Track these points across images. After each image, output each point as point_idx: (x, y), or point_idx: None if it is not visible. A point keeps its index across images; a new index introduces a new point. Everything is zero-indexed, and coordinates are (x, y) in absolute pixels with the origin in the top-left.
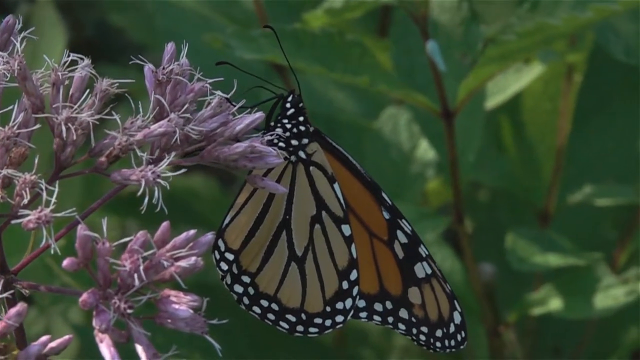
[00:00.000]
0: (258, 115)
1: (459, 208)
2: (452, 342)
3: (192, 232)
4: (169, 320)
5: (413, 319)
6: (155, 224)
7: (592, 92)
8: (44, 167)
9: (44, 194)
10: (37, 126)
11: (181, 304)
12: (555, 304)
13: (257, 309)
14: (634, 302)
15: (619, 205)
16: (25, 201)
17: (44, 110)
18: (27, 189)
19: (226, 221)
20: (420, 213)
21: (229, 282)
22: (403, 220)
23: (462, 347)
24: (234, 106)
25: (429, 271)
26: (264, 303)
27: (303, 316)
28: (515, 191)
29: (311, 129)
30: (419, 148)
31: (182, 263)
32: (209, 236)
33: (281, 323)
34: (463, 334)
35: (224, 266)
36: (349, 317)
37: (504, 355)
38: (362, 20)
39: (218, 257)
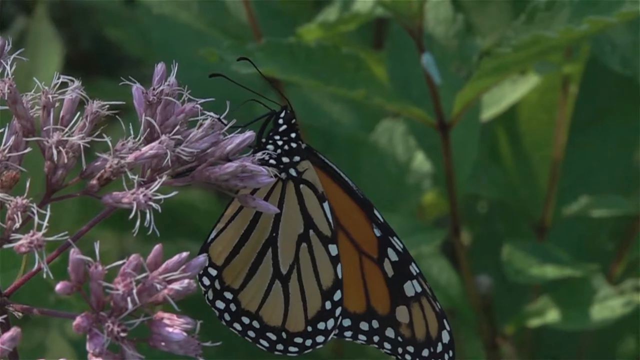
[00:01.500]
0: (248, 135)
1: (456, 220)
2: None
3: (184, 254)
4: (163, 343)
5: (399, 338)
6: (153, 239)
7: (588, 103)
8: (38, 190)
9: (36, 218)
10: (28, 149)
11: (174, 326)
12: (552, 315)
13: (237, 326)
14: (630, 313)
15: (616, 216)
16: (17, 225)
17: (35, 133)
18: (19, 213)
19: (211, 236)
20: (415, 226)
21: (210, 297)
22: (394, 238)
23: None
24: (226, 125)
25: (419, 290)
26: (245, 320)
27: (284, 335)
28: (512, 203)
29: (303, 146)
30: (415, 160)
31: (175, 286)
32: (201, 258)
33: (261, 341)
34: (451, 354)
35: (206, 281)
36: (330, 338)
37: None
38: (357, 33)
39: (201, 272)
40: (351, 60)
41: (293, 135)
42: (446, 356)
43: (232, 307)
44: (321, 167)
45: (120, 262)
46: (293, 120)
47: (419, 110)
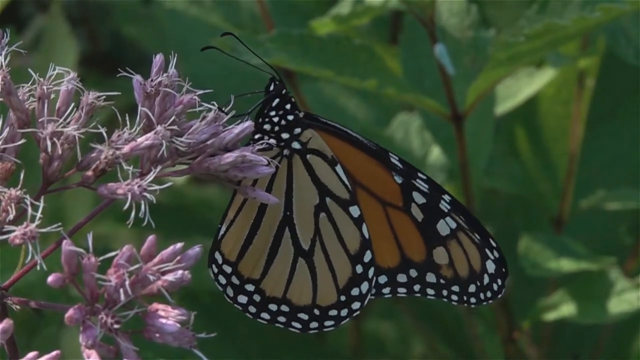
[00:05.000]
0: (247, 125)
1: None
2: (489, 294)
3: (179, 245)
4: (157, 335)
5: (442, 281)
6: (171, 237)
7: (605, 96)
8: (37, 181)
9: (29, 209)
10: (23, 141)
11: (169, 318)
12: (568, 309)
13: (265, 315)
14: None
15: (633, 209)
16: (11, 217)
17: (30, 124)
18: (13, 205)
19: (221, 232)
20: None
21: (230, 294)
22: (418, 180)
23: (500, 295)
24: (226, 115)
25: (454, 226)
26: (273, 307)
27: (316, 311)
28: (530, 197)
29: (301, 115)
30: (431, 155)
31: (169, 277)
32: (196, 249)
33: (293, 324)
34: (500, 282)
35: (223, 280)
36: (366, 301)
37: None
38: (373, 28)
39: (216, 270)
40: (363, 51)
41: (288, 106)
42: (495, 286)
43: (257, 297)
44: (326, 130)
45: (114, 253)
46: (284, 91)
47: (432, 101)
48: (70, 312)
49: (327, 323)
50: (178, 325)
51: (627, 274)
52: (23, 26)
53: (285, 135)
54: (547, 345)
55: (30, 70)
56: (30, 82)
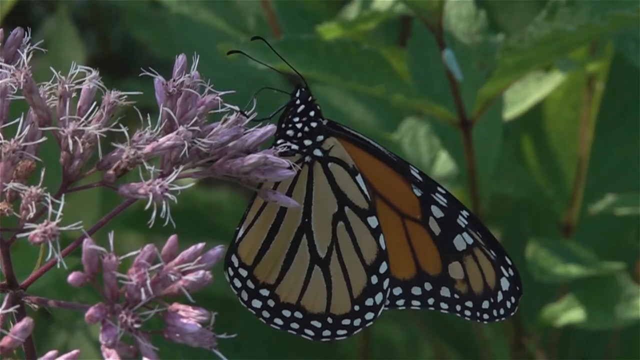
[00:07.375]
0: (270, 128)
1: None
2: (502, 311)
3: (200, 245)
4: (177, 335)
5: (456, 296)
6: (182, 240)
7: (614, 100)
8: (57, 180)
9: (50, 208)
10: (44, 139)
11: (189, 318)
12: (576, 314)
13: (279, 321)
14: None
15: None
16: (31, 215)
17: (51, 123)
18: (33, 203)
19: (239, 235)
20: None
21: (245, 298)
22: (437, 194)
23: (512, 313)
24: (247, 117)
25: (470, 241)
26: (286, 313)
27: (329, 320)
28: (538, 202)
29: (324, 122)
30: (439, 160)
31: (190, 277)
32: (218, 249)
33: (306, 331)
34: (513, 300)
35: (238, 283)
36: (380, 313)
37: None
38: (382, 33)
39: (232, 273)
40: (371, 56)
41: (312, 113)
42: (508, 303)
43: (271, 303)
44: (348, 140)
45: (134, 252)
46: (310, 98)
47: (440, 107)
48: (91, 311)
49: (340, 332)
50: (199, 325)
51: (635, 278)
52: (33, 29)
53: (307, 142)
54: (555, 350)
55: (51, 68)
56: (51, 81)
